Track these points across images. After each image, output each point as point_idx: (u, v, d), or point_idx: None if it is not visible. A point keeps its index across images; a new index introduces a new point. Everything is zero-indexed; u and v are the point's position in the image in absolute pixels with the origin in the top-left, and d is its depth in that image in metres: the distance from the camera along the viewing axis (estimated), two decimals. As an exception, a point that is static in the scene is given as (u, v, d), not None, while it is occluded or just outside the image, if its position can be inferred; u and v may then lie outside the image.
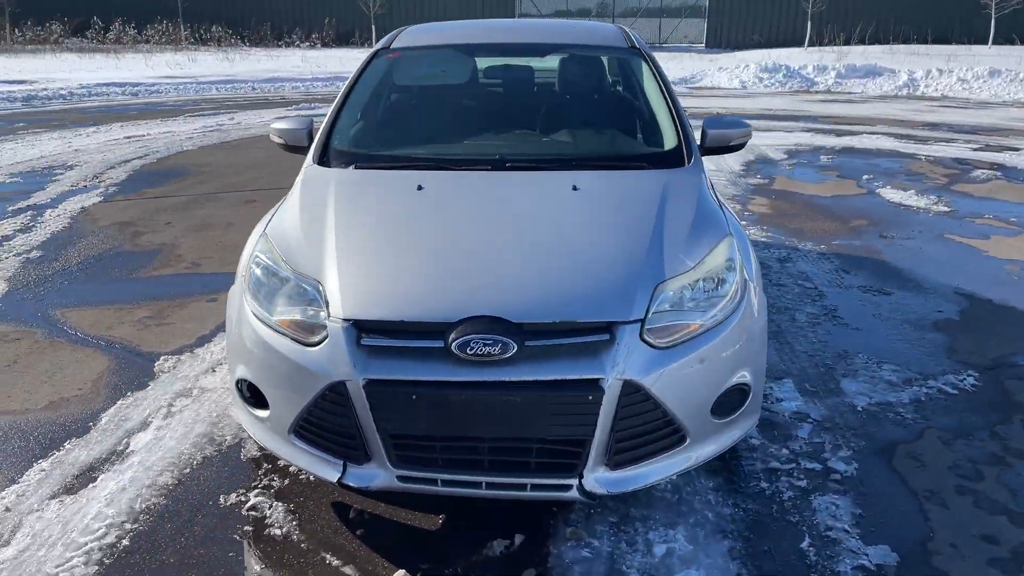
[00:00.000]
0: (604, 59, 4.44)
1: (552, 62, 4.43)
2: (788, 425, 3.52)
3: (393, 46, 4.32)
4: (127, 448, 3.35)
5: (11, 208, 7.34)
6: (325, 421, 2.66)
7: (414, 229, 3.00)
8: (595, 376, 2.50)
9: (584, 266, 2.75)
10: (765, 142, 11.11)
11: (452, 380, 2.50)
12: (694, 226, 3.01)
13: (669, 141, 3.65)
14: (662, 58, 25.74)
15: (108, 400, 3.76)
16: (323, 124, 3.80)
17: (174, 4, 32.52)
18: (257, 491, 3.05)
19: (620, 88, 4.39)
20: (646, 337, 2.58)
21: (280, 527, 2.85)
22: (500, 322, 2.52)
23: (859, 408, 3.69)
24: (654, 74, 4.02)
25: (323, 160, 3.58)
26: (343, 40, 33.96)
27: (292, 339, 2.68)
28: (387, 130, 3.88)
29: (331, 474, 2.70)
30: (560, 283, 2.67)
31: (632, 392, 2.53)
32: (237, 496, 3.03)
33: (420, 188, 3.27)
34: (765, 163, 9.67)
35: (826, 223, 6.89)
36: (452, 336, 2.50)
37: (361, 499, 2.97)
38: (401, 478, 2.64)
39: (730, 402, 2.81)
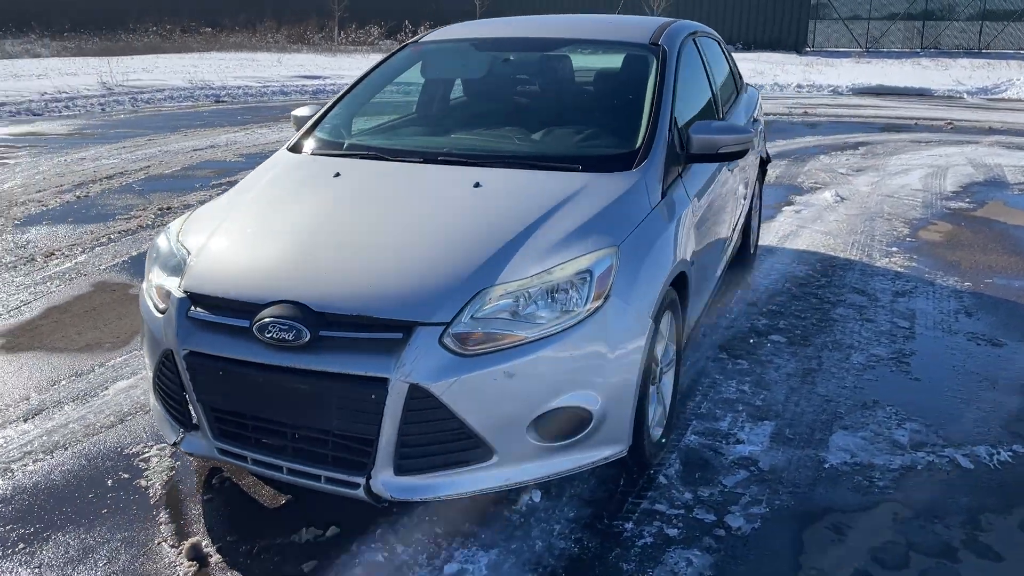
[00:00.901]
0: (615, 56, 4.18)
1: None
2: (721, 469, 3.14)
3: (421, 40, 4.39)
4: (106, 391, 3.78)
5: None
6: (168, 387, 2.83)
7: (290, 213, 3.08)
8: (380, 375, 2.44)
9: (412, 263, 2.66)
10: (1017, 163, 9.61)
11: (251, 361, 2.56)
12: (574, 233, 2.79)
13: (631, 145, 3.38)
14: (958, 65, 23.08)
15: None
16: (316, 113, 3.98)
17: (471, 9, 34.67)
18: (160, 447, 3.30)
19: (619, 86, 4.13)
20: (447, 342, 2.46)
21: (148, 480, 3.07)
22: (301, 308, 2.53)
23: (825, 465, 3.20)
24: (658, 73, 3.72)
25: (295, 147, 3.75)
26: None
27: (153, 305, 2.88)
28: (365, 121, 3.96)
29: (171, 436, 2.88)
30: (374, 278, 2.62)
31: (421, 397, 2.43)
32: (142, 447, 3.30)
33: (336, 175, 3.32)
34: (990, 185, 8.42)
35: (999, 258, 5.91)
36: (256, 317, 2.55)
37: (238, 470, 3.09)
38: (220, 450, 2.75)
39: (562, 425, 2.59)
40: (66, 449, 3.30)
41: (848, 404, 3.68)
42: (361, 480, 2.54)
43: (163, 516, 2.87)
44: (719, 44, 5.15)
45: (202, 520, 2.83)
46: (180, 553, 2.65)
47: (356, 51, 32.58)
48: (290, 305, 2.55)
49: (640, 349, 2.71)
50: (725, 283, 5.11)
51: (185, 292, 2.75)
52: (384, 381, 2.43)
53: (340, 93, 4.08)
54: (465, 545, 2.70)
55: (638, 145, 3.34)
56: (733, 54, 6.06)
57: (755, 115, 5.25)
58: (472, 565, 2.60)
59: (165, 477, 3.11)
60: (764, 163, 5.77)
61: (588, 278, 2.64)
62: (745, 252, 5.40)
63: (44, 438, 3.38)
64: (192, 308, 2.72)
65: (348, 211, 3.07)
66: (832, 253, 6.00)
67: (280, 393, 2.56)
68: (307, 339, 2.49)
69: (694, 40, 4.35)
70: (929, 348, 4.30)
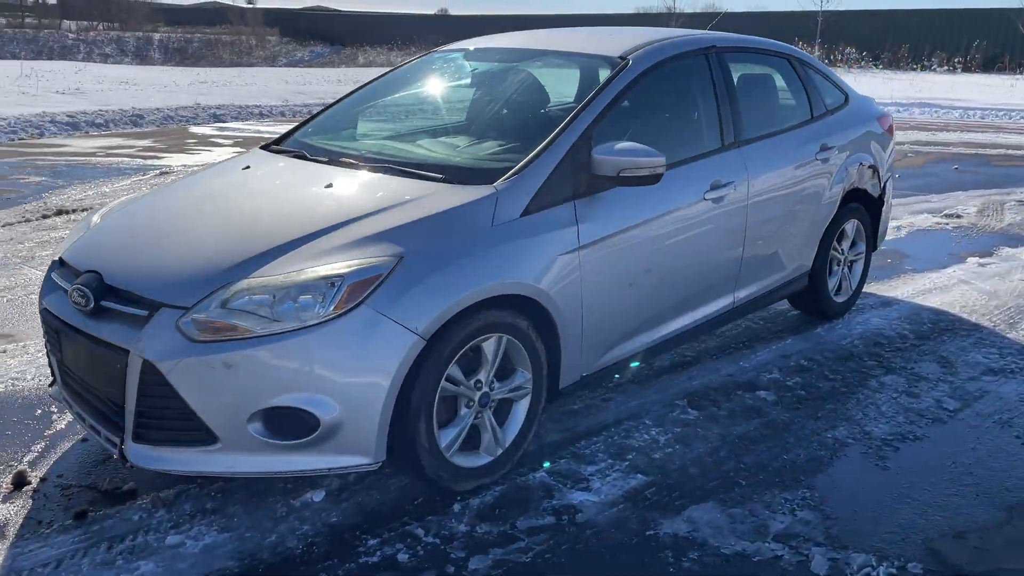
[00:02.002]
0: (576, 70, 3.94)
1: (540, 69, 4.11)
2: (531, 511, 2.94)
3: (443, 48, 4.50)
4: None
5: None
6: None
7: (170, 197, 3.39)
8: (124, 346, 2.69)
9: (193, 250, 2.87)
10: None
11: (64, 320, 2.94)
12: (367, 239, 2.81)
13: (516, 160, 3.26)
14: None
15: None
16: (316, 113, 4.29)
17: (813, 28, 32.94)
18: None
19: (546, 100, 3.91)
20: (183, 324, 2.64)
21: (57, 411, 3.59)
22: (97, 278, 2.86)
23: (649, 532, 2.85)
24: (602, 89, 3.51)
25: (267, 144, 4.08)
26: (989, 65, 30.36)
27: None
28: (330, 122, 4.14)
29: (49, 380, 3.35)
30: (156, 259, 2.86)
31: (152, 372, 2.64)
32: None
33: (246, 168, 3.60)
34: None
35: None
36: (74, 282, 2.93)
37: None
38: (62, 400, 3.16)
39: (288, 425, 2.65)
40: None
41: (765, 480, 3.19)
42: (117, 442, 2.78)
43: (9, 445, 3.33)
44: (772, 61, 4.59)
45: (47, 457, 3.25)
46: (6, 476, 3.08)
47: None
48: (92, 275, 2.87)
49: (394, 364, 2.65)
50: (776, 324, 4.59)
51: (59, 256, 3.19)
52: (127, 353, 2.65)
53: (344, 95, 4.32)
54: (210, 522, 2.82)
55: (523, 161, 3.19)
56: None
57: (837, 144, 4.58)
58: (193, 542, 2.72)
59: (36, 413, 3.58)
60: (873, 202, 5.01)
61: (338, 284, 2.64)
62: (819, 302, 4.77)
63: None
64: (57, 270, 3.14)
65: (205, 199, 3.33)
66: (966, 315, 5.05)
67: (79, 353, 2.89)
68: (92, 306, 2.79)
69: (707, 57, 3.97)
70: (944, 439, 3.54)
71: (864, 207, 4.96)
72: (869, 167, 4.86)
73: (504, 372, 3.08)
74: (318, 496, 2.98)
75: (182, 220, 3.16)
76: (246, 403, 2.61)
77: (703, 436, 3.49)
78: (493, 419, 3.05)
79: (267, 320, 2.61)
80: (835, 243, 4.77)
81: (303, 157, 3.61)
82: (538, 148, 3.24)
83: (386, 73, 4.47)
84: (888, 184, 5.17)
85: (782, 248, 4.31)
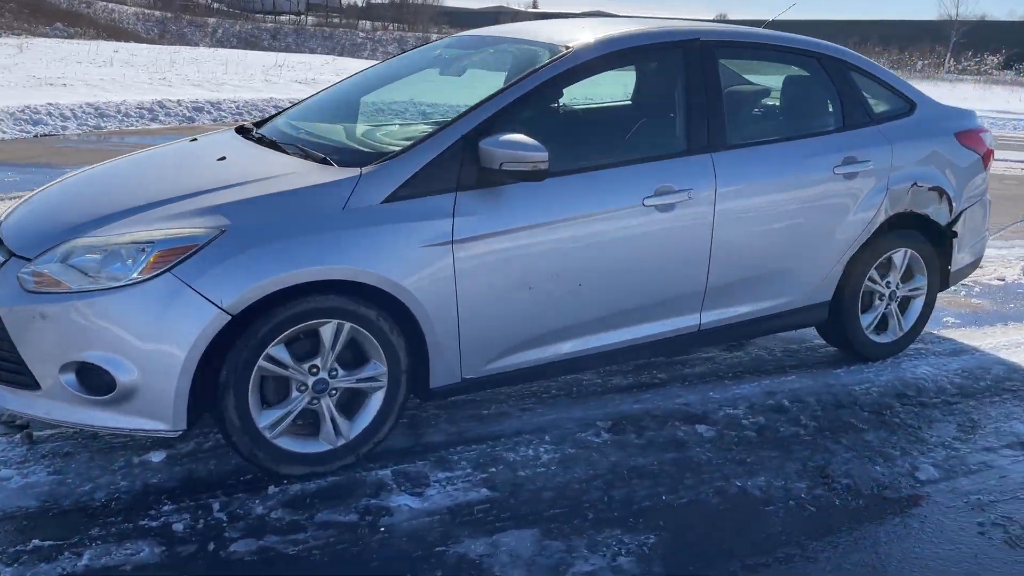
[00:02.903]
0: (521, 57, 3.67)
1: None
2: (341, 506, 2.87)
3: (444, 39, 4.44)
4: None
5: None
6: None
7: (115, 162, 3.61)
8: None
9: (67, 212, 3.05)
10: None
11: None
12: (204, 210, 2.87)
13: (397, 144, 3.18)
14: None
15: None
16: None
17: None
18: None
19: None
20: (23, 274, 2.84)
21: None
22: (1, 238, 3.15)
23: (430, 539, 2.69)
24: (523, 78, 3.32)
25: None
26: None
27: None
28: (308, 104, 4.18)
29: None
30: (41, 215, 3.09)
31: None
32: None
33: (193, 140, 3.77)
34: None
35: None
36: None
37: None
38: None
39: (91, 381, 2.78)
40: None
41: (618, 518, 2.88)
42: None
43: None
44: (791, 59, 4.04)
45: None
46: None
47: (961, 80, 29.65)
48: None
49: (192, 335, 2.68)
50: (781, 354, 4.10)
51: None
52: None
53: (339, 80, 4.40)
54: (51, 464, 3.01)
55: (402, 146, 3.11)
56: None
57: (875, 158, 3.96)
58: (20, 478, 2.92)
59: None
60: (940, 231, 4.28)
61: (148, 250, 2.72)
62: (848, 340, 4.18)
63: None
64: None
65: (128, 165, 3.51)
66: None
67: None
68: (2, 261, 3.04)
69: (684, 51, 3.59)
70: (877, 512, 2.99)
71: (925, 235, 4.25)
72: (931, 189, 4.16)
73: (361, 362, 3.00)
74: (158, 456, 3.07)
75: (90, 183, 3.37)
76: (58, 354, 2.74)
77: (592, 462, 3.19)
78: (334, 408, 2.97)
79: (89, 278, 2.72)
80: (873, 273, 4.13)
81: (247, 134, 3.71)
82: (424, 135, 3.10)
83: (386, 60, 4.48)
84: (974, 211, 4.39)
85: (777, 271, 3.81)
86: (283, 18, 69.35)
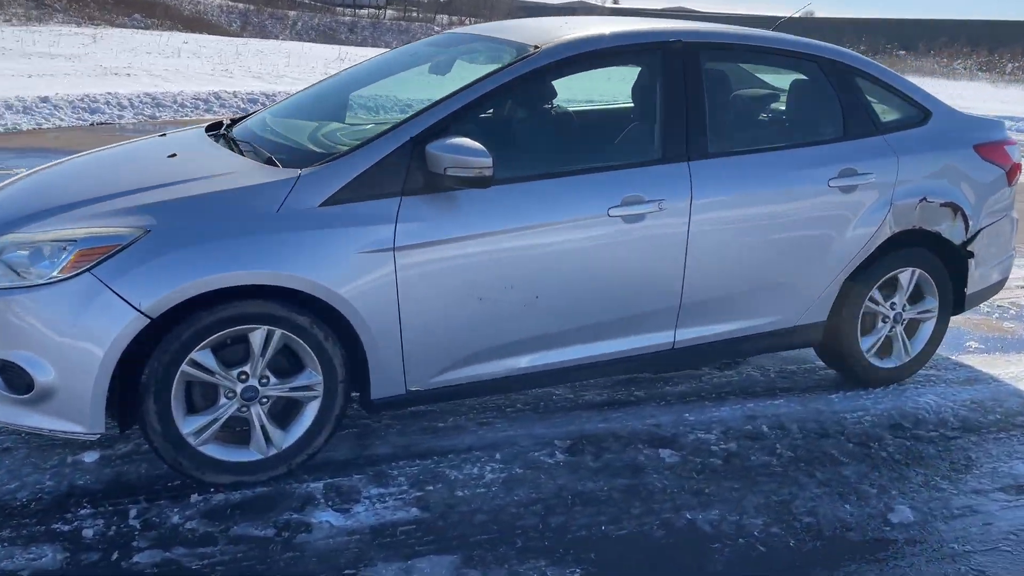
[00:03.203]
0: (489, 57, 3.49)
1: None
2: (260, 518, 2.78)
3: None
4: None
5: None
6: None
7: (69, 162, 3.57)
8: None
9: (17, 203, 3.02)
10: None
11: None
12: (134, 208, 2.81)
13: (342, 148, 3.07)
14: None
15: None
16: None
17: None
18: None
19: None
20: None
21: None
22: None
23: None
24: (482, 79, 3.18)
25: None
26: None
27: None
28: (291, 101, 4.08)
29: None
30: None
31: None
32: None
33: (162, 135, 3.73)
34: None
35: None
36: None
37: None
38: None
39: (13, 379, 2.74)
40: None
41: (548, 547, 2.73)
42: None
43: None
44: (788, 63, 3.78)
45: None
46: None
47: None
48: None
49: (109, 337, 2.62)
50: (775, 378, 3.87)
51: None
52: None
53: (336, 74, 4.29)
54: (-16, 459, 3.00)
55: (347, 148, 3.00)
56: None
57: (878, 170, 3.69)
58: (-48, 472, 2.90)
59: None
60: (953, 250, 3.98)
61: (70, 248, 2.66)
62: (847, 364, 3.92)
63: None
64: None
65: (91, 160, 3.46)
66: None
67: None
68: None
69: (664, 53, 3.39)
70: (834, 554, 2.76)
71: (938, 255, 3.95)
72: (944, 204, 3.86)
73: (298, 370, 2.91)
74: (92, 457, 3.03)
75: (43, 179, 3.33)
76: None
77: (538, 485, 3.03)
78: (264, 417, 2.88)
79: (18, 275, 2.68)
80: (876, 294, 3.85)
81: (216, 130, 3.65)
82: (370, 136, 2.99)
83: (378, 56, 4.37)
84: (997, 229, 4.07)
85: (762, 288, 3.58)
86: (363, 12, 70.24)
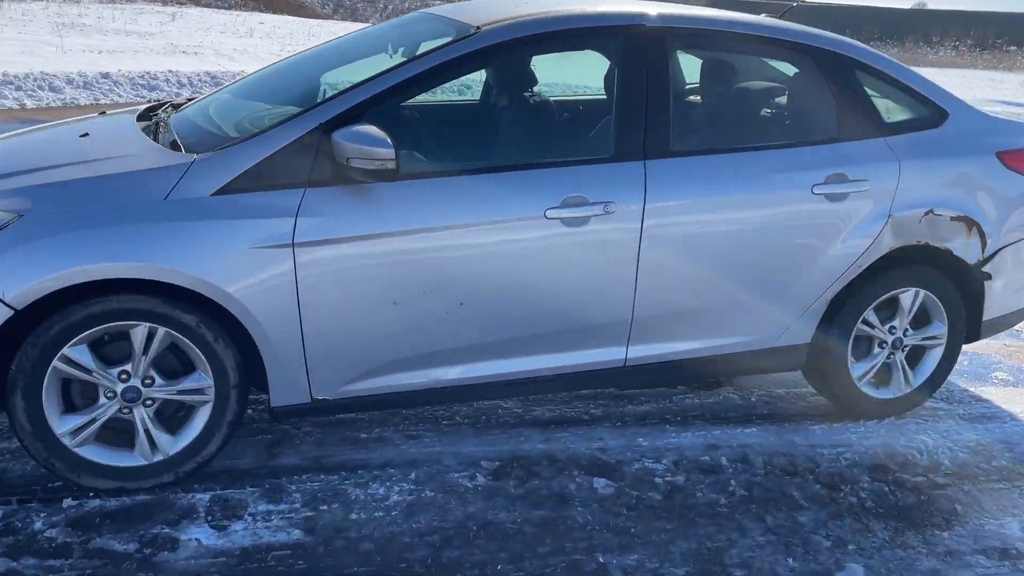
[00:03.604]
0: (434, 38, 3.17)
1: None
2: (140, 529, 2.59)
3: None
4: None
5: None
6: None
7: (16, 135, 3.43)
8: None
9: None
10: None
11: None
12: (14, 190, 2.65)
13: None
14: None
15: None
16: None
17: None
18: None
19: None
20: None
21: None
22: None
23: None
24: (407, 63, 2.90)
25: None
26: None
27: None
28: (245, 82, 3.84)
29: None
30: None
31: None
32: None
33: (101, 113, 3.56)
34: None
35: None
36: None
37: None
38: None
39: None
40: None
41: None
42: None
43: None
44: (780, 55, 3.37)
45: None
46: None
47: None
48: None
49: None
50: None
51: None
52: None
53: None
54: None
55: (252, 134, 2.77)
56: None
57: (875, 177, 3.25)
58: None
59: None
60: (966, 270, 3.51)
61: None
62: (834, 392, 3.51)
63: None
64: None
65: (24, 138, 3.30)
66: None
67: None
68: None
69: (625, 40, 3.04)
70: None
71: (949, 275, 3.49)
72: (956, 218, 3.40)
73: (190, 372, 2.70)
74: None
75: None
76: None
77: (445, 511, 2.75)
78: (148, 420, 2.68)
79: None
80: (871, 315, 3.43)
81: (152, 111, 3.47)
82: (276, 121, 2.74)
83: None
84: (1019, 248, 3.59)
85: (730, 305, 3.21)
86: (453, -3, 70.25)
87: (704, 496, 2.94)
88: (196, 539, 2.52)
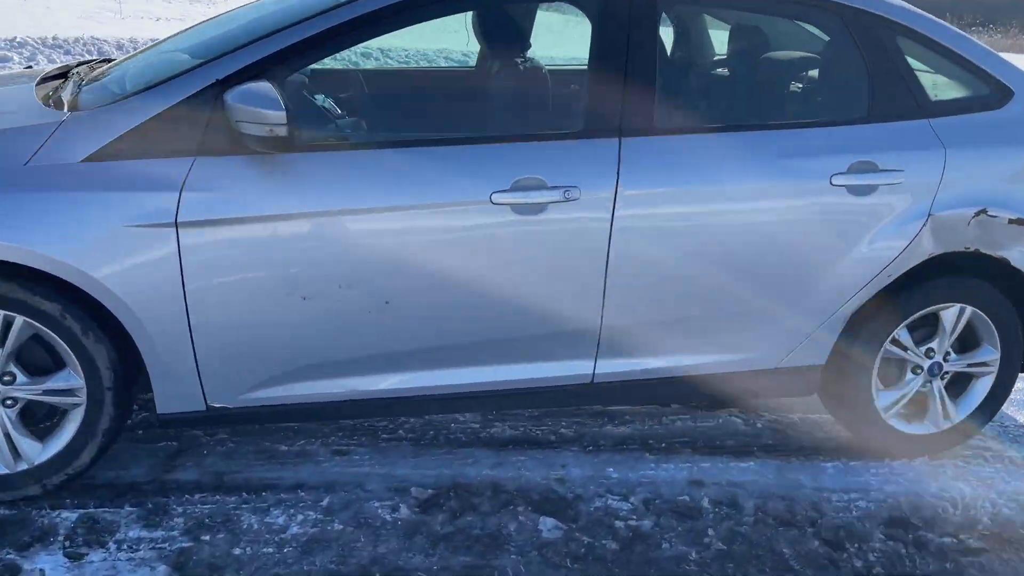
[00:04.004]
0: None
1: None
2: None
3: None
4: None
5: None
6: None
7: None
8: None
9: None
10: None
11: None
12: None
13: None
14: None
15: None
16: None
17: None
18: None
19: None
20: None
21: None
22: None
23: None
24: (327, 10, 2.44)
25: None
26: None
27: None
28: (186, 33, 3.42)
29: None
30: None
31: None
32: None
33: (28, 68, 3.18)
34: None
35: None
36: None
37: None
38: None
39: None
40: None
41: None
42: None
43: None
44: (797, 12, 2.77)
45: None
46: None
47: None
48: None
49: None
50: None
51: None
52: None
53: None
54: None
55: (136, 90, 2.34)
56: None
57: (911, 167, 2.65)
58: None
59: None
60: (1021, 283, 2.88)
61: None
62: (855, 422, 2.93)
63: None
64: None
65: None
66: None
67: None
68: None
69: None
70: None
71: (1002, 289, 2.87)
72: (1015, 221, 2.78)
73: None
74: None
75: None
76: None
77: (349, 551, 2.30)
78: (9, 423, 2.30)
79: None
80: (903, 334, 2.84)
81: (80, 66, 3.07)
82: (166, 76, 2.30)
83: None
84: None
85: (724, 316, 2.67)
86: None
87: (671, 548, 2.41)
88: (40, 570, 2.12)
